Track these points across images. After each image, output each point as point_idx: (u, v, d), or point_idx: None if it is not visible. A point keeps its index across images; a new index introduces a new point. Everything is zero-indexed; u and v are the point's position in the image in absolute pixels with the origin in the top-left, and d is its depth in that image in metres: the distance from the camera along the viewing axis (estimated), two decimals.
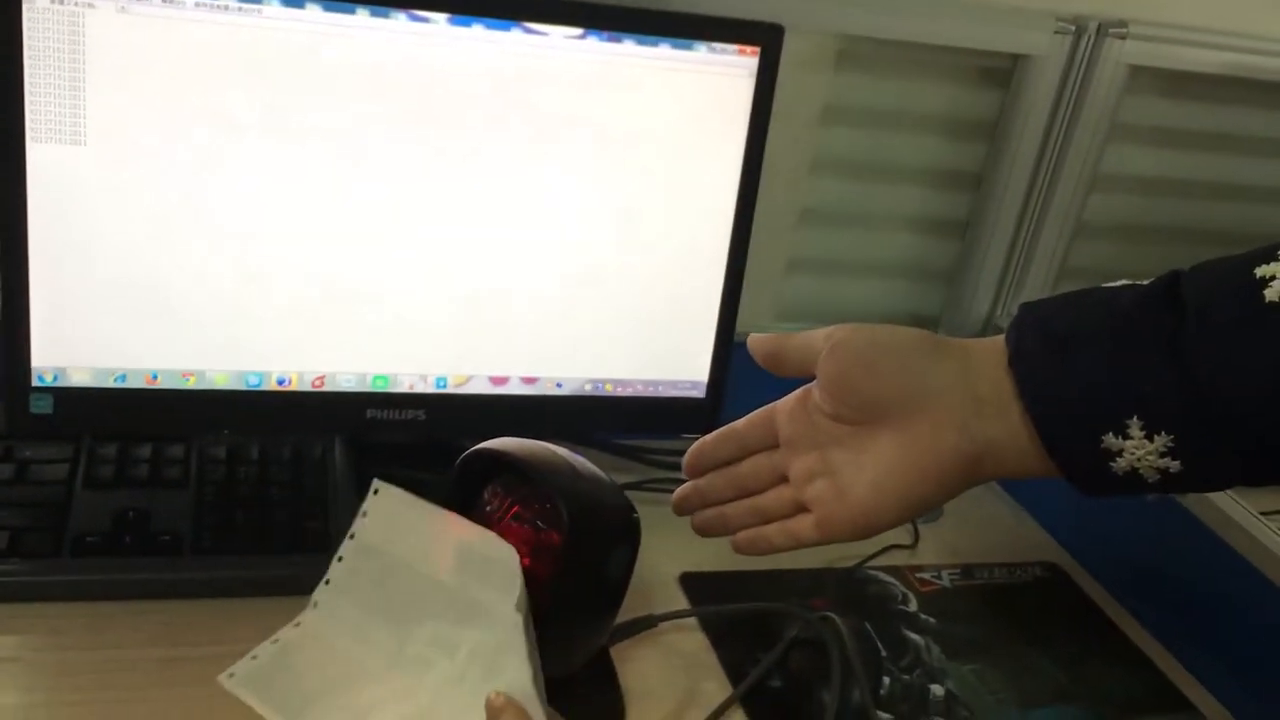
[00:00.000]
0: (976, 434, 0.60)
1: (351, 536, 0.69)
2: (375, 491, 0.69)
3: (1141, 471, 0.56)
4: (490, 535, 0.65)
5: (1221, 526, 0.89)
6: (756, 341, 0.67)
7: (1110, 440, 0.56)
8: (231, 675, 0.66)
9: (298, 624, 0.69)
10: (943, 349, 0.63)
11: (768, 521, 0.67)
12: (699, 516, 0.70)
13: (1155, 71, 1.16)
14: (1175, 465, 0.55)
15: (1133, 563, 0.99)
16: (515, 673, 0.62)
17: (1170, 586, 0.95)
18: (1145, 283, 0.58)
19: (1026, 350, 0.59)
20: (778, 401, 0.67)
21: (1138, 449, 0.55)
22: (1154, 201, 1.27)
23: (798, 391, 0.66)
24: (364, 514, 0.69)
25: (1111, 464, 0.56)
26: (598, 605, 0.70)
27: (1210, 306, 0.54)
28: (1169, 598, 0.95)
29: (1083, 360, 0.57)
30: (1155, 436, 0.55)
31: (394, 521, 0.68)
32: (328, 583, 0.69)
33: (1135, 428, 0.55)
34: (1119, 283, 0.59)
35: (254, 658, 0.67)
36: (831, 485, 0.64)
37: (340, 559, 0.69)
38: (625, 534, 0.70)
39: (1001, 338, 0.61)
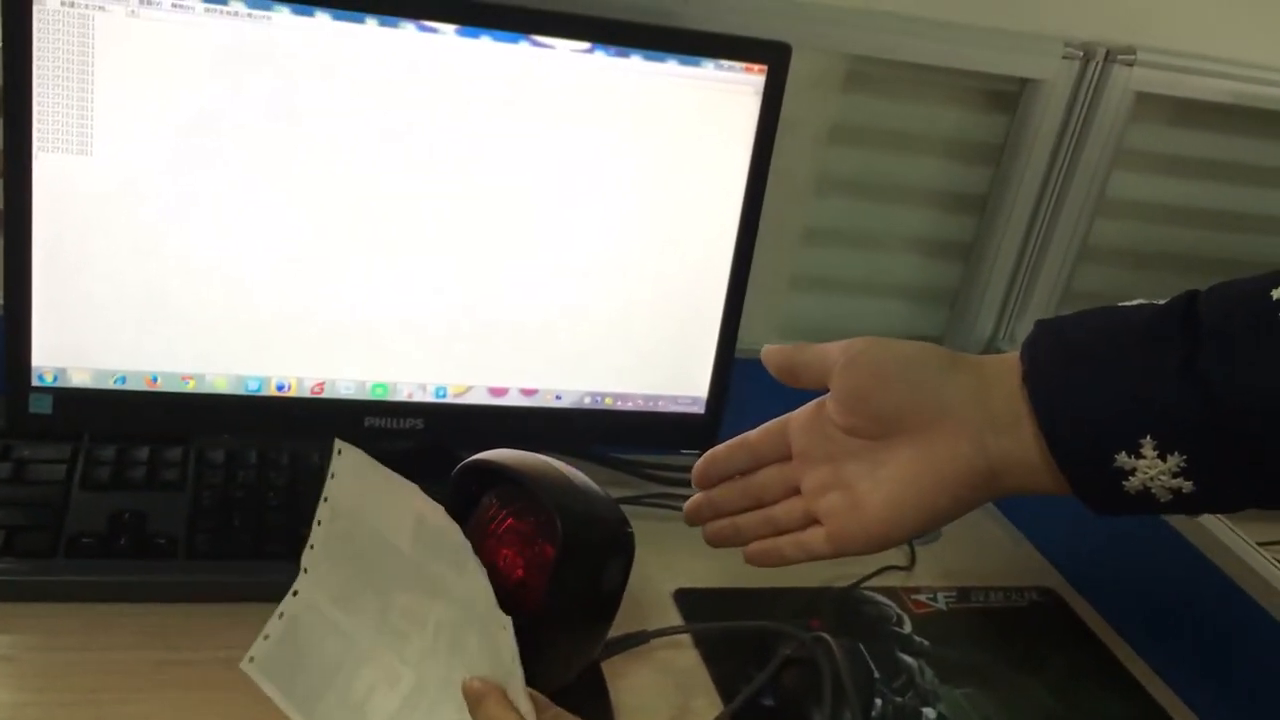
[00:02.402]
0: (991, 449, 0.60)
1: (325, 499, 0.68)
2: (339, 452, 0.68)
3: (1154, 491, 0.56)
4: (439, 509, 0.64)
5: (1219, 556, 0.89)
6: (771, 353, 0.66)
7: (1123, 459, 0.55)
8: (252, 660, 0.67)
9: (295, 592, 0.69)
10: (958, 364, 0.63)
11: (780, 533, 0.67)
12: (712, 527, 0.69)
13: (1162, 99, 1.16)
14: (1188, 485, 0.55)
15: (1129, 590, 0.99)
16: (477, 651, 0.62)
17: (1166, 615, 0.95)
18: (1161, 302, 0.57)
19: (1040, 367, 0.59)
20: (791, 413, 0.67)
21: (1150, 468, 0.55)
22: (1159, 229, 1.27)
23: (812, 404, 0.66)
24: (332, 475, 0.68)
25: (1124, 483, 0.56)
26: (590, 618, 0.70)
27: (1226, 328, 0.54)
28: (1164, 626, 0.95)
29: (1096, 378, 0.56)
30: (1168, 456, 0.54)
31: (359, 484, 0.67)
32: (312, 547, 0.69)
33: (1148, 447, 0.55)
34: (1135, 302, 0.58)
35: (266, 637, 0.68)
36: (845, 498, 0.64)
37: (319, 523, 0.69)
38: (619, 548, 0.69)
39: (1017, 354, 0.61)
